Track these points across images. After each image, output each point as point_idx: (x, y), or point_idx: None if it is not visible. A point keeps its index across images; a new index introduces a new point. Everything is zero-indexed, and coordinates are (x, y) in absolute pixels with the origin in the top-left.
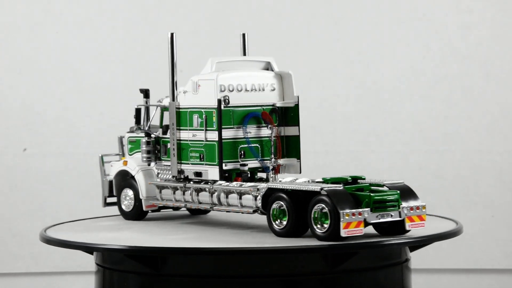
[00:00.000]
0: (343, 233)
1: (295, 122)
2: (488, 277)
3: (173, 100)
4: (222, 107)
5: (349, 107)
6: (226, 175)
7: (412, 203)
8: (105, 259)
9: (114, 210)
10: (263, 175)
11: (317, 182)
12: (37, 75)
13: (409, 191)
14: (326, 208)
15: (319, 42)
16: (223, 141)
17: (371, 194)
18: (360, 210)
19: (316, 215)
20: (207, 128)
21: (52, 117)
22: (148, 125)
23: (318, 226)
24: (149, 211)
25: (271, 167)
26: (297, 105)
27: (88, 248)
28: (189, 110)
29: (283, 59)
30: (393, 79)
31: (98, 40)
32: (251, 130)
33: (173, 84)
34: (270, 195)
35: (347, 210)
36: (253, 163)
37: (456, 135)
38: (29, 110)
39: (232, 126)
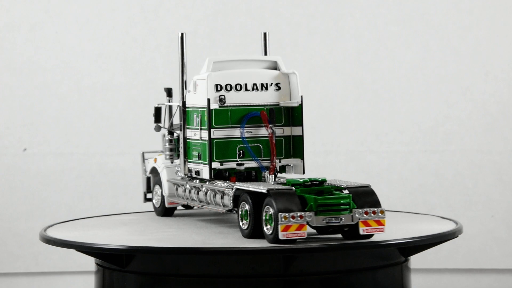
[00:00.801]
0: (281, 235)
1: (299, 122)
2: (487, 277)
3: (182, 99)
4: (218, 106)
5: (348, 107)
6: (227, 174)
7: (370, 207)
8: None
9: (114, 210)
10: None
11: (281, 183)
12: (37, 75)
13: (371, 194)
14: (271, 210)
15: (319, 42)
16: (217, 140)
17: (316, 197)
18: (301, 213)
19: (266, 217)
20: (202, 127)
21: (51, 117)
22: (170, 123)
23: (268, 227)
24: (176, 208)
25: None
26: (300, 105)
27: (88, 248)
28: (190, 109)
29: (283, 59)
30: (393, 79)
31: (97, 40)
32: (252, 130)
33: (183, 84)
34: (239, 196)
35: (286, 213)
36: (252, 163)
37: (456, 135)
38: (28, 110)
39: (229, 125)
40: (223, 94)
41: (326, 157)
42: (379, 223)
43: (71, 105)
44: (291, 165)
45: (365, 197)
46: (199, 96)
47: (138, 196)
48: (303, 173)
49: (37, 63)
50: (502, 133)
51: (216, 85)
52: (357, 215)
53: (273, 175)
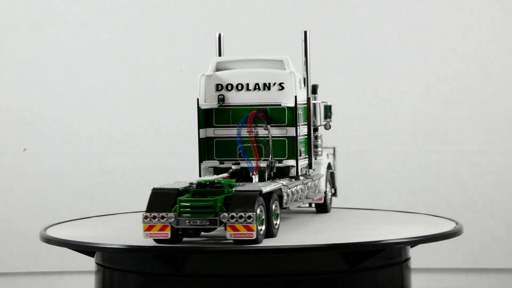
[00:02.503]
0: (144, 235)
1: (293, 123)
2: (488, 277)
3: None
4: (217, 106)
5: (349, 107)
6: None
7: (240, 212)
8: (104, 258)
9: (114, 210)
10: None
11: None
12: (37, 75)
13: (251, 199)
14: None
15: (318, 42)
16: (217, 139)
17: (179, 199)
18: (164, 214)
19: None
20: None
21: (51, 117)
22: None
23: None
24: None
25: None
26: (294, 107)
27: (87, 248)
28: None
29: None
30: (393, 79)
31: (97, 40)
32: (259, 130)
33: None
34: None
35: (148, 213)
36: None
37: (456, 135)
38: (28, 110)
39: (229, 125)
40: (222, 94)
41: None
42: (248, 228)
43: (71, 105)
44: (292, 166)
45: (243, 201)
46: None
47: (139, 195)
48: (296, 174)
49: (37, 63)
50: (502, 133)
51: (217, 85)
52: (223, 219)
53: (257, 175)
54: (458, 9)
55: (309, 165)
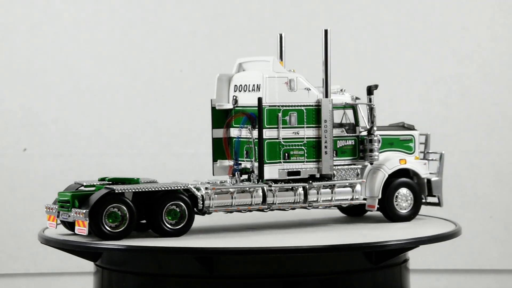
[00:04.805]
0: (47, 224)
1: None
2: (486, 277)
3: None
4: (231, 106)
5: None
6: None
7: (83, 208)
8: (103, 259)
9: None
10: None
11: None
12: (36, 76)
13: (91, 196)
14: None
15: (318, 43)
16: (232, 140)
17: (59, 193)
18: (52, 206)
19: None
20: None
21: (50, 117)
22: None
23: None
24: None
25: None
26: (259, 108)
27: (86, 248)
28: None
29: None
30: (392, 79)
31: (96, 41)
32: (244, 131)
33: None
34: None
35: (48, 204)
36: (249, 163)
37: (455, 136)
38: (27, 111)
39: (238, 125)
40: (235, 95)
41: None
42: (83, 224)
43: (70, 106)
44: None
45: (89, 198)
46: None
47: None
48: (262, 178)
49: (36, 63)
50: (500, 134)
51: (234, 86)
52: (73, 214)
53: (230, 175)
54: (456, 10)
55: (318, 169)
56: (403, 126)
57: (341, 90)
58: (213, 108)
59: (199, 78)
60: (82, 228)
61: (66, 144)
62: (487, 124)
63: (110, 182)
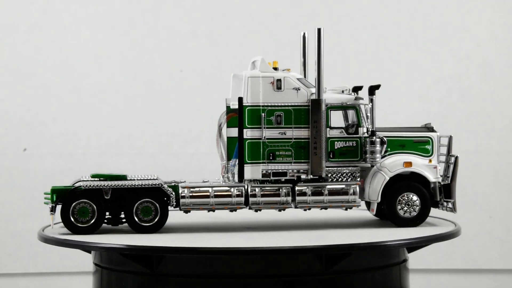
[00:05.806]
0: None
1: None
2: (486, 277)
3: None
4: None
5: None
6: None
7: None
8: (103, 259)
9: None
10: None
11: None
12: (36, 76)
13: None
14: None
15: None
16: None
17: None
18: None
19: None
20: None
21: (50, 117)
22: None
23: None
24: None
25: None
26: (240, 107)
27: (85, 248)
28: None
29: (282, 59)
30: (392, 79)
31: (96, 41)
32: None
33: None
34: None
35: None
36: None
37: (455, 136)
38: (27, 111)
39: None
40: None
41: None
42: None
43: (70, 106)
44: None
45: (64, 194)
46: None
47: None
48: (242, 177)
49: (36, 63)
50: (500, 134)
51: None
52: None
53: (223, 175)
54: (456, 10)
55: (306, 171)
56: (425, 128)
57: (348, 90)
58: (227, 107)
59: (199, 78)
60: (51, 221)
61: (66, 144)
62: (487, 124)
63: (97, 179)
